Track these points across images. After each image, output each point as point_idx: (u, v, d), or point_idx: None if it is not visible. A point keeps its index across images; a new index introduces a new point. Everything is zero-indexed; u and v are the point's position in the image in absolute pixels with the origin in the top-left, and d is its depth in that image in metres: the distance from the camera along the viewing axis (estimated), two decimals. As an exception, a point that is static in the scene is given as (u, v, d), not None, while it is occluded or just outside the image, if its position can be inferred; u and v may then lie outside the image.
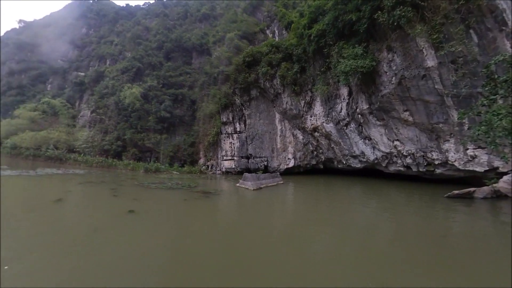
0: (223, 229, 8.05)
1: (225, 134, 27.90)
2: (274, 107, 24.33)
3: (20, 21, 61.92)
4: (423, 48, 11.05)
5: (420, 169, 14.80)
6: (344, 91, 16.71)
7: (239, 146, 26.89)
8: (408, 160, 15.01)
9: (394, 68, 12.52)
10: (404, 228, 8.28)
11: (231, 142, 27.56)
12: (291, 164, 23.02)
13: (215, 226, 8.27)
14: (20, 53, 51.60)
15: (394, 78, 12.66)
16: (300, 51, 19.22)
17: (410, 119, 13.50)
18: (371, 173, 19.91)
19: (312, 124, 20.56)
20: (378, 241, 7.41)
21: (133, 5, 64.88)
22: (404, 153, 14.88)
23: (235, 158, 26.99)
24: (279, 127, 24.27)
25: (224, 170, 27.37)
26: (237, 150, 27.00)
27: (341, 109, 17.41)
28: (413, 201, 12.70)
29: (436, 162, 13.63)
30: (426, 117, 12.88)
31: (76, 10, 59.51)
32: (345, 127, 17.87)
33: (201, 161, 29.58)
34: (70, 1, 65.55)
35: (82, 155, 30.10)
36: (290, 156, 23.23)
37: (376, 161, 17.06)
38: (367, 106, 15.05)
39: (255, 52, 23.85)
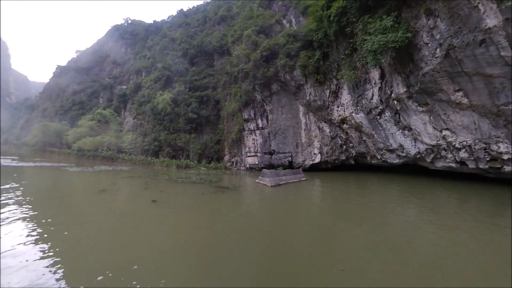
0: (224, 221, 8.10)
1: (248, 131, 27.40)
2: (297, 100, 22.64)
3: (76, 51, 75.57)
4: (478, 2, 8.21)
5: (480, 166, 11.49)
6: (374, 75, 14.16)
7: (262, 142, 26.10)
8: (463, 154, 11.81)
9: (438, 36, 9.75)
10: (454, 253, 5.45)
11: (253, 139, 26.95)
12: (317, 159, 21.16)
13: (218, 217, 8.53)
14: (79, 76, 62.34)
15: (438, 49, 9.90)
16: (320, 36, 17.17)
17: (465, 101, 10.45)
18: (414, 170, 16.70)
19: (339, 116, 18.30)
20: (415, 266, 4.98)
21: (159, 20, 69.93)
22: (456, 146, 11.76)
23: (258, 154, 26.30)
24: (303, 121, 22.52)
25: (248, 166, 27.01)
26: (260, 146, 26.26)
27: (372, 95, 14.87)
28: (468, 209, 9.69)
29: (505, 157, 10.31)
30: (488, 97, 9.76)
31: (114, 34, 68.35)
32: (378, 117, 15.25)
33: (226, 157, 29.81)
34: (110, 27, 75.04)
35: (128, 154, 34.28)
36: (316, 151, 21.36)
37: (418, 156, 14.10)
38: (405, 90, 12.36)
39: (272, 45, 22.53)
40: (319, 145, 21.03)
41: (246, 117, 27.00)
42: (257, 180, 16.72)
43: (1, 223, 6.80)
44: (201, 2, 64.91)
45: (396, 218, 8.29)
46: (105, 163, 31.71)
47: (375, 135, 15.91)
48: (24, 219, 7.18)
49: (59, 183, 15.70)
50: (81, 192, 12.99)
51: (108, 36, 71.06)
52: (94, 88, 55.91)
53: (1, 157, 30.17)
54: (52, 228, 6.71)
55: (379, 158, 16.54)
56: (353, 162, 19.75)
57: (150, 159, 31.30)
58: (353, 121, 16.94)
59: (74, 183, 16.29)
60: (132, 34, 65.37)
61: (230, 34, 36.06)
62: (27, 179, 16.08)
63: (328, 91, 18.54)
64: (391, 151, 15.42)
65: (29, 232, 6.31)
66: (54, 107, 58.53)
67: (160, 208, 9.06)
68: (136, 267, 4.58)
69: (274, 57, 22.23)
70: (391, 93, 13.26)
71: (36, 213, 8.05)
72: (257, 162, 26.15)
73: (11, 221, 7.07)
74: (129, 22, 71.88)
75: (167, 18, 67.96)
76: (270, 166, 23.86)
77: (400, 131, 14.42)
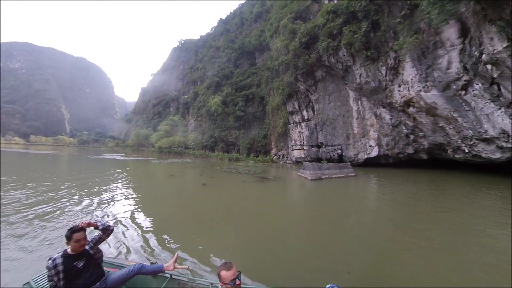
0: (254, 202, 9.11)
1: (293, 123, 25.83)
2: (346, 84, 19.30)
3: (151, 74, 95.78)
4: None
5: None
6: (449, 33, 9.90)
7: (308, 134, 24.06)
8: None
9: None
10: None
11: (299, 131, 25.18)
12: (374, 152, 17.42)
13: (250, 199, 9.71)
14: (156, 93, 78.18)
15: None
16: (365, 2, 13.63)
17: None
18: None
19: (402, 97, 14.23)
20: None
21: (204, 34, 77.31)
22: None
23: (305, 148, 24.42)
24: (354, 108, 19.04)
25: (294, 159, 25.63)
26: (306, 139, 24.30)
27: (449, 63, 10.56)
28: None
29: None
30: None
31: (174, 55, 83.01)
32: (462, 92, 10.74)
33: (273, 151, 29.34)
34: (170, 50, 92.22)
35: (192, 150, 40.46)
36: (372, 142, 17.64)
37: None
38: (505, 45, 7.98)
39: (310, 28, 19.92)
40: (376, 136, 17.22)
41: (291, 109, 25.46)
42: (298, 173, 15.97)
43: (115, 194, 10.06)
44: (237, 6, 65.45)
45: (489, 246, 4.67)
46: (176, 157, 38.04)
47: (458, 118, 11.27)
48: (126, 195, 9.93)
49: (146, 170, 20.93)
50: (159, 176, 17.22)
51: (170, 58, 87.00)
52: (166, 100, 69.17)
53: (116, 154, 41.19)
54: (142, 194, 10.17)
55: (466, 151, 11.54)
56: (425, 157, 14.84)
57: (208, 153, 35.39)
58: (422, 103, 12.65)
59: (155, 170, 21.01)
60: (186, 51, 76.72)
61: (267, 28, 35.24)
62: (129, 167, 22.15)
63: (384, 68, 14.69)
64: (487, 140, 10.50)
65: (131, 201, 9.12)
66: (142, 118, 75.78)
67: (208, 189, 11.68)
68: (181, 218, 7.06)
69: (315, 41, 19.66)
70: (481, 54, 8.91)
71: (134, 186, 11.90)
72: (303, 156, 24.37)
73: (122, 193, 10.41)
74: (182, 42, 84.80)
75: (211, 30, 74.00)
76: (317, 160, 21.71)
77: (502, 109, 9.60)
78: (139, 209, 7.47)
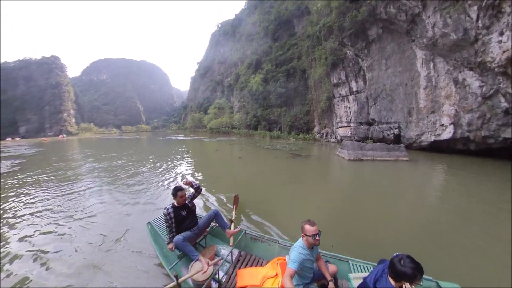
0: (280, 174, 9.73)
1: (339, 97, 21.95)
2: (413, 41, 14.10)
3: (197, 63, 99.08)
4: None
5: None
6: None
7: (356, 109, 20.14)
8: None
9: None
10: None
11: (346, 106, 21.33)
12: (447, 134, 12.76)
13: (276, 172, 10.24)
14: (202, 81, 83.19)
15: None
16: None
17: None
18: None
19: (504, 52, 9.12)
20: None
21: (239, 12, 70.41)
22: None
23: (352, 125, 20.79)
24: (423, 74, 13.99)
25: (339, 138, 22.51)
26: (354, 115, 20.48)
27: None
28: None
29: None
30: None
31: (213, 40, 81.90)
32: None
33: (316, 129, 26.60)
34: (210, 37, 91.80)
35: (237, 129, 42.00)
36: (445, 120, 12.87)
37: None
38: None
39: None
40: (453, 111, 12.32)
41: (335, 81, 21.40)
42: (337, 153, 14.54)
43: (181, 161, 13.80)
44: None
45: None
46: (223, 135, 41.65)
47: None
48: (187, 162, 13.12)
49: (199, 147, 23.94)
50: (208, 150, 20.02)
51: (210, 44, 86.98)
52: (212, 85, 71.79)
53: (178, 135, 48.22)
54: (199, 163, 13.22)
55: None
56: None
57: (251, 131, 35.91)
58: None
59: (205, 146, 23.66)
60: (223, 34, 73.98)
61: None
62: (188, 144, 26.13)
63: (475, 9, 9.44)
64: None
65: (190, 165, 12.22)
66: (194, 104, 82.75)
67: (242, 161, 13.51)
68: (220, 178, 9.18)
69: (367, -13, 14.56)
70: None
71: (192, 157, 15.58)
72: (349, 134, 20.94)
73: (184, 161, 13.84)
74: (219, 26, 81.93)
75: (244, 6, 67.07)
76: (368, 139, 18.24)
77: None
78: (196, 171, 10.41)
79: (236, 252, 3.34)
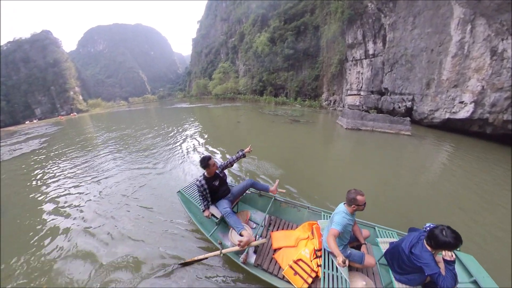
0: (270, 136, 10.77)
1: (352, 61, 19.31)
2: (453, -7, 11.02)
3: (197, 22, 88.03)
4: None
5: None
6: None
7: (369, 76, 18.02)
8: None
9: None
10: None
11: (358, 72, 19.02)
12: (465, 113, 11.37)
13: (270, 134, 11.11)
14: (205, 42, 73.63)
15: None
16: None
17: None
18: None
19: None
20: None
21: None
22: None
23: (362, 93, 19.07)
24: (456, 38, 11.52)
25: (346, 107, 21.08)
26: (365, 83, 18.50)
27: None
28: None
29: None
30: None
31: None
32: None
33: (324, 95, 24.72)
34: None
35: (243, 95, 39.71)
36: (467, 97, 11.25)
37: None
38: None
39: None
40: (479, 87, 10.58)
41: (351, 41, 18.34)
42: (337, 121, 14.24)
43: (189, 126, 15.53)
44: None
45: None
46: (229, 102, 40.19)
47: None
48: (193, 126, 14.79)
49: (203, 113, 25.58)
50: (212, 115, 21.39)
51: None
52: (216, 47, 63.71)
53: (183, 103, 47.06)
54: (200, 125, 15.04)
55: None
56: None
57: (257, 97, 34.02)
58: None
59: (210, 112, 25.06)
60: None
61: None
62: (192, 112, 27.06)
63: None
64: None
65: (195, 127, 14.36)
66: (198, 69, 75.01)
67: (239, 125, 14.13)
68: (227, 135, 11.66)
69: None
70: None
71: (196, 122, 17.43)
72: (357, 103, 19.43)
73: (191, 125, 15.55)
74: None
75: None
76: (377, 111, 17.00)
77: None
78: (202, 132, 12.08)
79: (267, 216, 3.39)
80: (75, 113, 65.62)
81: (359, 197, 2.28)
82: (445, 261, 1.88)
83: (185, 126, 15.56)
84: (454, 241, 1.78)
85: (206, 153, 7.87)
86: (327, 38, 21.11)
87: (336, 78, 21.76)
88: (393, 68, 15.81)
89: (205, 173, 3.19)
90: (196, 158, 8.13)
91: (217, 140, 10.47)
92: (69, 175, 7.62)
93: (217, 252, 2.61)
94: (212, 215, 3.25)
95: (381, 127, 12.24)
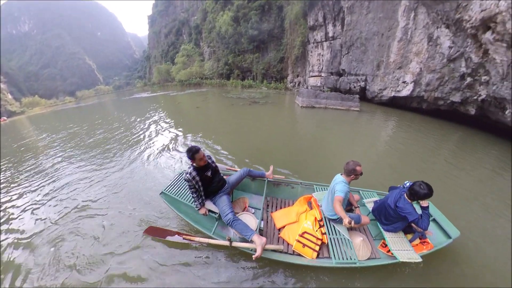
0: (227, 118, 11.25)
1: (313, 43, 19.43)
2: (401, -20, 11.60)
3: None
4: None
5: None
6: None
7: (329, 58, 18.57)
8: None
9: None
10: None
11: (319, 54, 19.38)
12: (406, 91, 13.09)
13: (226, 116, 11.53)
14: (163, 20, 62.18)
15: None
16: None
17: None
18: None
19: (482, 11, 8.18)
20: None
21: None
22: None
23: (322, 75, 19.78)
24: (402, 24, 12.55)
25: (310, 88, 21.80)
26: (325, 64, 19.10)
27: None
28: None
29: None
30: None
31: None
32: None
33: (289, 77, 24.82)
34: None
35: (208, 79, 36.56)
36: (408, 77, 12.86)
37: None
38: None
39: None
40: (418, 69, 12.15)
41: (312, 23, 18.16)
42: (295, 100, 14.79)
43: (152, 116, 13.89)
44: None
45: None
46: (194, 88, 36.30)
47: None
48: (160, 114, 13.74)
49: (163, 101, 23.13)
50: (172, 103, 19.66)
51: None
52: (176, 26, 53.85)
53: (143, 93, 40.39)
54: (160, 114, 14.17)
55: None
56: (473, 112, 9.40)
57: (223, 81, 31.74)
58: (509, 26, 7.11)
59: (171, 100, 22.69)
60: None
61: None
62: (152, 101, 24.39)
63: None
64: None
65: (153, 117, 13.50)
66: (158, 52, 63.45)
67: (198, 110, 13.87)
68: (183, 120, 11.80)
69: None
70: None
71: (163, 111, 15.86)
72: (319, 84, 20.22)
73: (160, 116, 13.68)
74: None
75: None
76: (336, 91, 18.02)
77: None
78: (163, 119, 11.64)
79: (264, 199, 3.36)
80: (5, 118, 49.33)
81: (358, 168, 2.44)
82: (422, 207, 2.34)
83: (144, 117, 14.08)
84: (429, 192, 2.21)
85: (167, 143, 7.86)
86: (290, 19, 20.36)
87: (300, 60, 21.82)
88: (350, 51, 16.59)
89: (194, 165, 2.72)
90: (159, 154, 7.31)
91: (176, 127, 10.35)
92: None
93: (227, 242, 2.50)
94: (210, 211, 2.91)
95: (334, 104, 13.24)
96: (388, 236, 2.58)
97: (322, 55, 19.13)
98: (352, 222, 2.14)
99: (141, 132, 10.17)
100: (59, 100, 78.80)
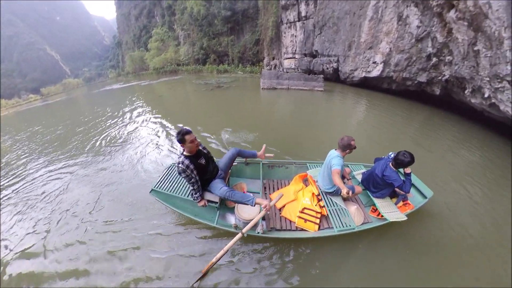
0: (186, 103, 11.09)
1: (286, 24, 17.62)
2: (373, -50, 10.17)
3: None
4: None
5: None
6: None
7: (302, 39, 17.19)
8: None
9: None
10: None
11: (292, 35, 17.81)
12: (376, 71, 12.64)
13: (186, 102, 11.29)
14: (132, 1, 51.00)
15: None
16: None
17: None
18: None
19: None
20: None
21: None
22: None
23: (296, 56, 18.53)
24: (373, 2, 11.50)
25: (285, 71, 20.53)
26: (299, 46, 17.75)
27: None
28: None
29: None
30: None
31: None
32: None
33: (265, 60, 23.01)
34: None
35: (184, 65, 32.03)
36: (378, 58, 12.30)
37: None
38: None
39: None
40: (388, 50, 11.55)
41: (284, 2, 16.14)
42: (260, 83, 13.85)
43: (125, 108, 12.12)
44: None
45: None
46: (170, 75, 31.60)
47: (506, 41, 5.61)
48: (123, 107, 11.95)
49: (132, 92, 20.29)
50: (139, 93, 17.37)
51: None
52: (147, 7, 44.36)
53: (116, 84, 34.27)
54: (127, 104, 12.98)
55: (486, 95, 6.53)
56: (438, 92, 9.18)
57: (199, 67, 28.38)
58: (470, 4, 6.57)
59: (141, 91, 19.98)
60: None
61: None
62: (122, 92, 21.52)
63: None
64: None
65: (119, 106, 12.50)
66: (130, 38, 52.61)
67: (161, 99, 13.07)
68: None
69: None
70: None
71: (128, 104, 13.77)
72: (293, 66, 19.04)
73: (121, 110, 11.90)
74: None
75: None
76: (309, 73, 17.15)
77: None
78: (122, 114, 10.31)
79: (262, 182, 3.27)
80: None
81: (352, 142, 2.47)
82: (405, 174, 2.54)
83: (102, 111, 12.43)
84: (412, 159, 2.40)
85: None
86: None
87: (275, 42, 19.99)
88: (322, 31, 15.35)
89: (184, 152, 2.38)
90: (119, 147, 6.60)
91: (134, 119, 9.49)
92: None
93: (240, 235, 2.30)
94: (209, 201, 2.67)
95: (296, 84, 12.71)
96: (378, 202, 2.77)
97: (296, 36, 17.56)
98: (350, 192, 2.21)
99: (94, 129, 8.85)
100: (22, 99, 65.97)
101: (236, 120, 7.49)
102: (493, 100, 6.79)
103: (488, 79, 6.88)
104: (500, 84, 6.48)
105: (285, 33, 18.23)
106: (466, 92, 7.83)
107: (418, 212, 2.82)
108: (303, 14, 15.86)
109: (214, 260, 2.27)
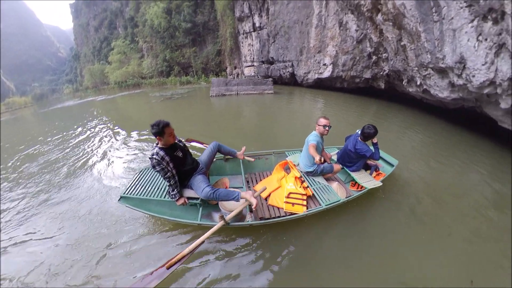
0: (135, 115, 9.98)
1: (243, 34, 17.38)
2: (311, -33, 10.73)
3: None
4: None
5: None
6: None
7: (259, 48, 17.11)
8: None
9: None
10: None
11: (249, 44, 17.63)
12: (327, 73, 13.26)
13: (136, 113, 10.39)
14: (91, 11, 45.11)
15: None
16: None
17: None
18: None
19: None
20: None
21: None
22: None
23: (255, 64, 18.35)
24: (316, 11, 12.10)
25: (245, 78, 20.13)
26: (256, 54, 17.63)
27: None
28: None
29: None
30: None
31: None
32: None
33: (228, 70, 22.22)
34: None
35: (148, 78, 28.45)
36: (327, 60, 12.94)
37: (487, 92, 4.44)
38: None
39: None
40: (334, 52, 12.26)
41: (239, 14, 15.90)
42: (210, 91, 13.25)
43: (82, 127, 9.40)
44: None
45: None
46: (132, 89, 27.40)
47: (422, 34, 6.54)
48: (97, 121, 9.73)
49: (91, 106, 17.30)
50: (93, 108, 15.20)
51: None
52: (108, 18, 38.32)
53: (70, 100, 27.46)
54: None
55: (418, 83, 7.19)
56: (383, 86, 9.91)
57: (163, 79, 25.46)
58: (390, 5, 7.35)
59: (99, 106, 16.99)
60: None
61: None
62: (86, 109, 16.85)
63: None
64: (442, 73, 6.08)
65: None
66: (89, 50, 44.23)
67: (116, 110, 12.31)
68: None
69: None
70: None
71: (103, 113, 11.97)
72: (253, 74, 18.78)
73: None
74: None
75: None
76: (268, 78, 17.02)
77: (474, 23, 5.08)
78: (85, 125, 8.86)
79: (244, 176, 3.02)
80: None
81: (321, 119, 2.57)
82: (373, 143, 2.73)
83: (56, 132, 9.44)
84: (376, 130, 2.61)
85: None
86: (220, 11, 17.21)
87: (235, 52, 19.50)
88: (276, 39, 15.58)
89: (159, 145, 1.97)
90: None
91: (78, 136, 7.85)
92: None
93: (222, 223, 1.97)
94: (189, 198, 2.24)
95: (246, 89, 12.41)
96: (355, 175, 2.85)
97: (252, 45, 17.45)
98: (322, 159, 2.33)
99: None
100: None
101: (182, 126, 6.94)
102: (424, 87, 7.34)
103: (416, 68, 7.41)
104: (426, 71, 6.99)
105: (242, 43, 18.00)
106: (403, 83, 8.49)
107: (390, 177, 3.07)
108: (257, 25, 15.92)
109: (186, 251, 1.82)
